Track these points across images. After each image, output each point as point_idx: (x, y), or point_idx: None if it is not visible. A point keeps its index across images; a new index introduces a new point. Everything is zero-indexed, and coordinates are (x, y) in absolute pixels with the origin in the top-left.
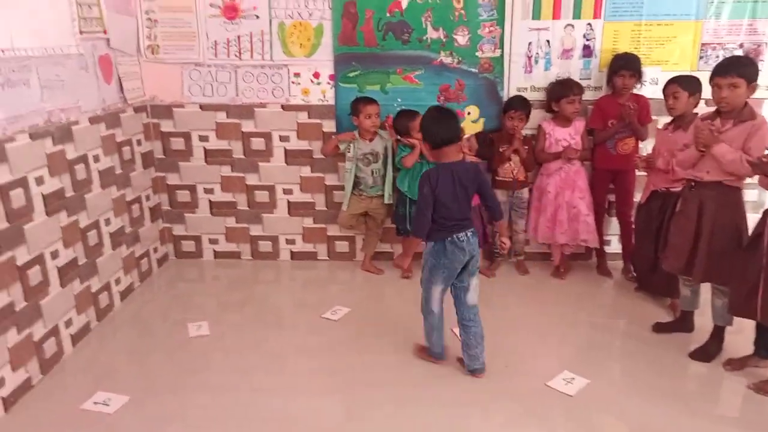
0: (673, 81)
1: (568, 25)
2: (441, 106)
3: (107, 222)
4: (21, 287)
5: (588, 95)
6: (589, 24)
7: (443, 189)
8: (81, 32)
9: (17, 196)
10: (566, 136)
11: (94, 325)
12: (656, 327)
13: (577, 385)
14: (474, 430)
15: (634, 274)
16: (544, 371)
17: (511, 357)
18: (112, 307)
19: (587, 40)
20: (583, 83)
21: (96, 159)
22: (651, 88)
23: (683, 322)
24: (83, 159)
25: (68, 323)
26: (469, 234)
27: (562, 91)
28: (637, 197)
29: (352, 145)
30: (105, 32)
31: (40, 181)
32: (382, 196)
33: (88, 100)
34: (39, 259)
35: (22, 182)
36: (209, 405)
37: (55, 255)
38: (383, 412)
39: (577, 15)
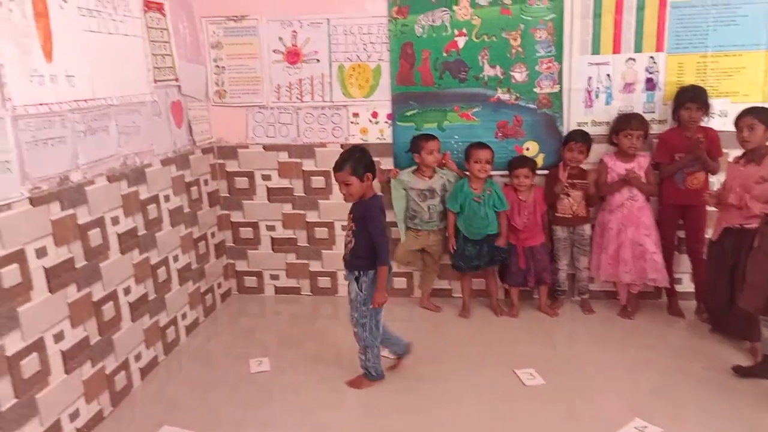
0: (748, 112)
1: (630, 58)
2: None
3: (175, 259)
4: (96, 322)
5: (653, 129)
6: (652, 57)
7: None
8: (155, 81)
9: (95, 236)
10: (626, 171)
11: (161, 359)
12: (737, 370)
13: None
14: None
15: (708, 315)
16: (613, 418)
17: (576, 401)
18: (178, 342)
19: (650, 73)
20: (647, 116)
21: (167, 199)
22: (720, 120)
23: (765, 367)
24: (155, 199)
25: (138, 357)
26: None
27: (620, 124)
28: (709, 233)
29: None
30: (177, 80)
31: (115, 221)
32: (438, 230)
33: (161, 143)
34: (113, 295)
35: (100, 222)
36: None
37: (127, 291)
38: None
39: (638, 48)
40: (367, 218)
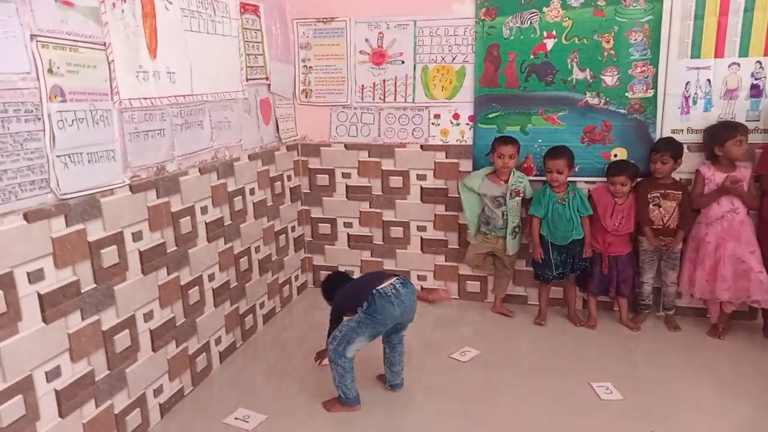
0: None
1: (733, 63)
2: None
3: (257, 249)
4: (182, 305)
5: (756, 138)
6: (759, 62)
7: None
8: (247, 79)
9: (185, 223)
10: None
11: (239, 344)
12: None
13: None
14: None
15: None
16: None
17: (655, 421)
18: (255, 329)
19: (756, 79)
20: (751, 125)
21: (252, 192)
22: None
23: None
24: (241, 192)
25: (218, 341)
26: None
27: (727, 133)
28: None
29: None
30: (267, 79)
31: (204, 210)
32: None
33: (249, 139)
34: (198, 280)
35: (190, 211)
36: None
37: (211, 277)
38: None
39: (744, 52)
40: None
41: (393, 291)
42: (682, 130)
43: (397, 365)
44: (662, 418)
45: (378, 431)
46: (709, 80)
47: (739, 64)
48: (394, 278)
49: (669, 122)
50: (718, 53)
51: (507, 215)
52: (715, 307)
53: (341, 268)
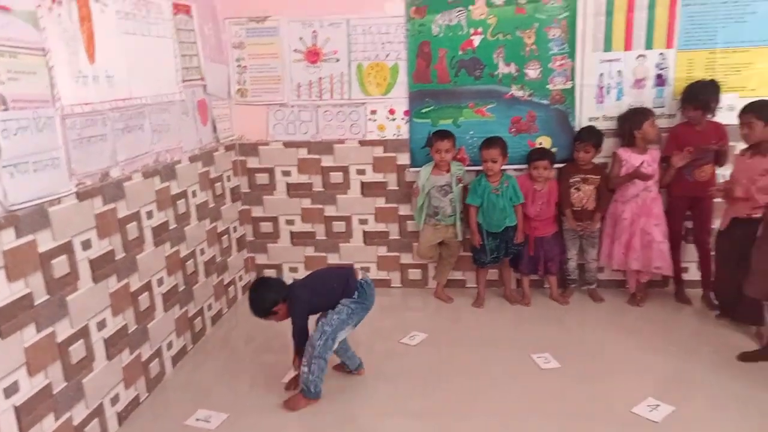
0: (747, 110)
1: (640, 55)
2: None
3: (202, 252)
4: (133, 311)
5: (662, 123)
6: (662, 53)
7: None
8: (183, 81)
9: (132, 229)
10: (640, 163)
11: (190, 347)
12: (742, 356)
13: (663, 412)
14: None
15: (716, 302)
16: (628, 397)
17: (594, 384)
18: (204, 331)
19: (660, 69)
20: (657, 111)
21: (194, 194)
22: (728, 114)
23: None
24: (184, 194)
25: (169, 345)
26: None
27: (643, 116)
28: (716, 224)
29: (422, 181)
30: (202, 79)
31: (149, 215)
32: (453, 224)
33: (188, 141)
34: (147, 286)
35: (136, 216)
36: (301, 422)
37: (160, 282)
38: None
39: (649, 45)
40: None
41: (369, 280)
42: (598, 118)
43: (349, 350)
44: (596, 380)
45: (338, 418)
46: (620, 71)
47: (645, 56)
48: (356, 270)
49: (586, 111)
50: (627, 46)
51: (455, 202)
52: (633, 277)
53: (285, 265)
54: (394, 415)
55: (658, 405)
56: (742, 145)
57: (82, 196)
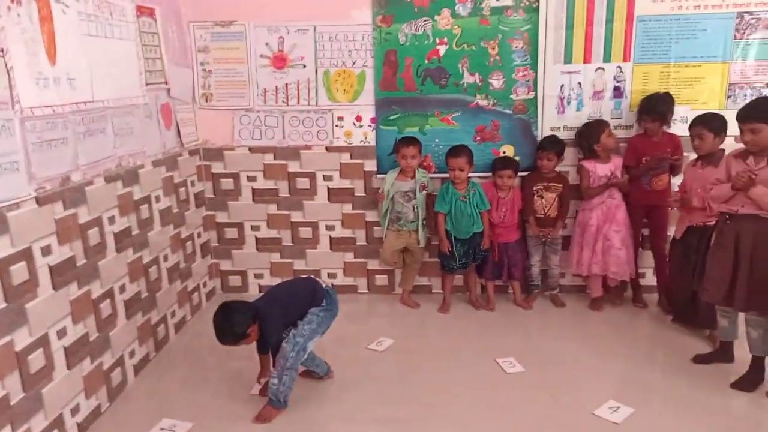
0: (697, 122)
1: (599, 68)
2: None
3: (165, 258)
4: (94, 319)
5: (620, 133)
6: (619, 67)
7: None
8: (147, 84)
9: (94, 235)
10: (607, 171)
11: (153, 356)
12: (697, 358)
13: (623, 414)
14: None
15: (670, 307)
16: (590, 400)
17: (556, 387)
18: (168, 339)
19: (617, 81)
20: (615, 122)
21: (157, 199)
22: (681, 126)
23: (723, 353)
24: (147, 200)
25: (131, 354)
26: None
27: (598, 128)
28: (670, 231)
29: (387, 186)
30: (166, 83)
31: (112, 220)
32: (416, 231)
33: (152, 145)
34: (109, 293)
35: (98, 221)
36: (268, 430)
37: (122, 289)
38: None
39: (607, 58)
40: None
41: (331, 287)
42: (560, 128)
43: (316, 358)
44: (559, 384)
45: (305, 425)
46: (579, 83)
47: (603, 69)
48: (317, 279)
49: (548, 121)
50: (587, 59)
51: (417, 209)
52: (597, 283)
53: (249, 271)
54: (361, 422)
55: (618, 407)
56: (693, 156)
57: (42, 201)
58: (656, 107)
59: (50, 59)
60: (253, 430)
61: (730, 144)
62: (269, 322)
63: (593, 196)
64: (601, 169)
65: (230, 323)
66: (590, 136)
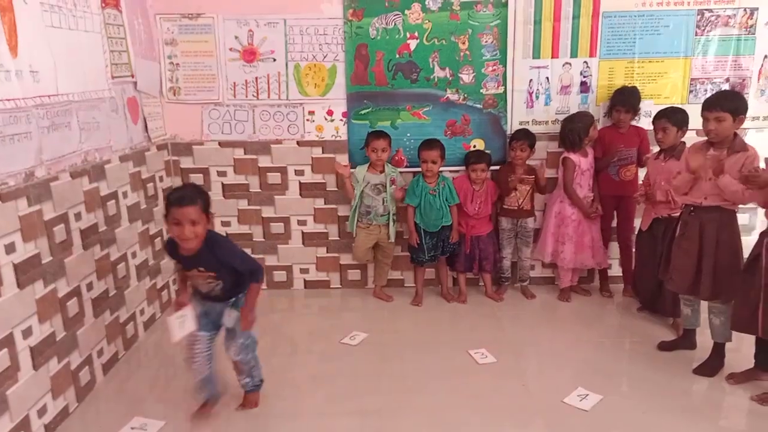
0: (661, 116)
1: (566, 63)
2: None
3: (134, 255)
4: (61, 318)
5: None
6: (586, 62)
7: None
8: (113, 77)
9: (60, 232)
10: (589, 165)
11: (122, 354)
12: (661, 345)
13: (591, 401)
14: None
15: (635, 297)
16: (559, 388)
17: (526, 377)
18: (137, 337)
19: (584, 76)
20: None
21: (125, 195)
22: (645, 120)
23: (686, 340)
24: (114, 195)
25: (100, 353)
26: None
27: (589, 121)
28: (637, 222)
29: (357, 178)
30: (132, 76)
31: (78, 217)
32: (386, 224)
33: (119, 139)
34: (76, 291)
35: (64, 218)
36: (242, 424)
37: (90, 287)
38: (407, 430)
39: (574, 54)
40: (227, 258)
41: None
42: (528, 122)
43: (213, 381)
44: (529, 373)
45: (279, 419)
46: (547, 78)
47: (570, 64)
48: None
49: (517, 115)
50: (554, 54)
51: (387, 202)
52: (567, 274)
53: None
54: (335, 414)
55: (587, 395)
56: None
57: (5, 197)
58: (629, 99)
59: (11, 51)
60: (228, 426)
61: (691, 137)
62: (223, 240)
63: (572, 196)
64: (584, 163)
65: (199, 189)
66: (582, 129)
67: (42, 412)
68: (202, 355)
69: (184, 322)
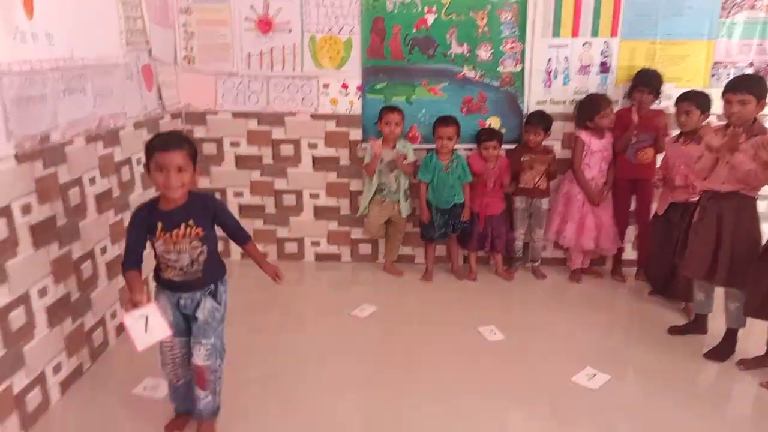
0: (686, 98)
1: (586, 42)
2: None
3: None
4: (75, 280)
5: None
6: (606, 42)
7: None
8: (127, 43)
9: (74, 195)
10: (601, 147)
11: None
12: (672, 329)
13: (600, 381)
14: (510, 420)
15: (648, 280)
16: (568, 367)
17: (537, 355)
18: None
19: (604, 57)
20: None
21: (138, 162)
22: (665, 103)
23: (697, 325)
24: (128, 162)
25: (113, 315)
26: None
27: (593, 108)
28: (653, 207)
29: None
30: (147, 43)
31: (92, 181)
32: (397, 201)
33: (133, 106)
34: (90, 254)
35: (78, 182)
36: (249, 393)
37: (104, 250)
38: (414, 405)
39: (594, 33)
40: (218, 211)
41: None
42: (546, 101)
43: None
44: (539, 352)
45: (287, 392)
46: (566, 57)
47: (590, 44)
48: None
49: (535, 94)
50: (575, 33)
51: (399, 178)
52: (578, 256)
53: None
54: (343, 387)
55: (595, 374)
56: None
57: (21, 158)
58: (653, 80)
59: (27, 13)
60: (238, 393)
61: (712, 122)
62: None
63: (580, 179)
64: (595, 144)
65: (187, 137)
66: (587, 112)
67: (57, 369)
68: (177, 360)
69: (148, 323)
